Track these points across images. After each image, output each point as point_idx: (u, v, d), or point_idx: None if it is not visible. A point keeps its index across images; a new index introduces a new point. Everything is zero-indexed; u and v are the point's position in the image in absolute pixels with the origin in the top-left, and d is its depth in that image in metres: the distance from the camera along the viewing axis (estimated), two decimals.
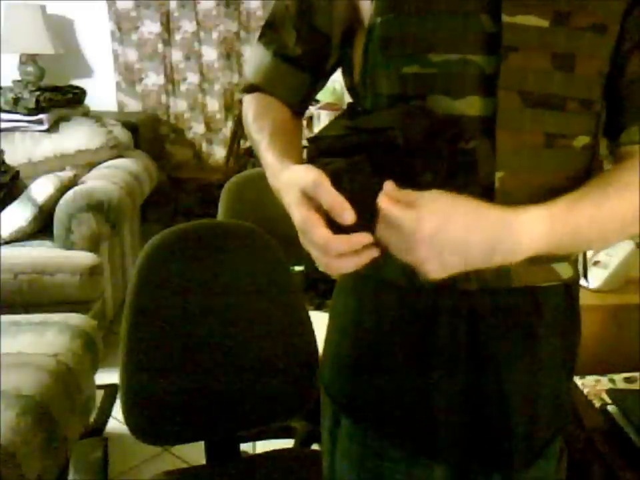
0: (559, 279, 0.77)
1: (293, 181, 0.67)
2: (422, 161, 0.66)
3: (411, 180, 0.65)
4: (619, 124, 0.76)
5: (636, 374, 1.32)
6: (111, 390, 2.19)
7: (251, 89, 0.87)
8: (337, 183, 0.68)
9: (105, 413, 2.13)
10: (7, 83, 3.34)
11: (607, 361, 1.36)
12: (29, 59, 3.56)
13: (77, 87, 3.25)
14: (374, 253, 0.64)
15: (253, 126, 0.84)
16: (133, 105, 3.94)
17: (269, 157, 0.77)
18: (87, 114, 3.22)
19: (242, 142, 3.93)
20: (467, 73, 0.69)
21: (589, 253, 1.45)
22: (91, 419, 1.79)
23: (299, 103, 0.87)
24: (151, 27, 3.81)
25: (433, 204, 0.62)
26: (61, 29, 3.72)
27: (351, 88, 0.82)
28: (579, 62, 0.70)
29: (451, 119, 0.69)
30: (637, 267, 1.47)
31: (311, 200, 0.64)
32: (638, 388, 1.28)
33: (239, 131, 3.82)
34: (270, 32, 0.84)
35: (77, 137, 2.97)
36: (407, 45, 0.70)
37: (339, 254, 0.62)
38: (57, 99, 3.03)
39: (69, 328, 1.73)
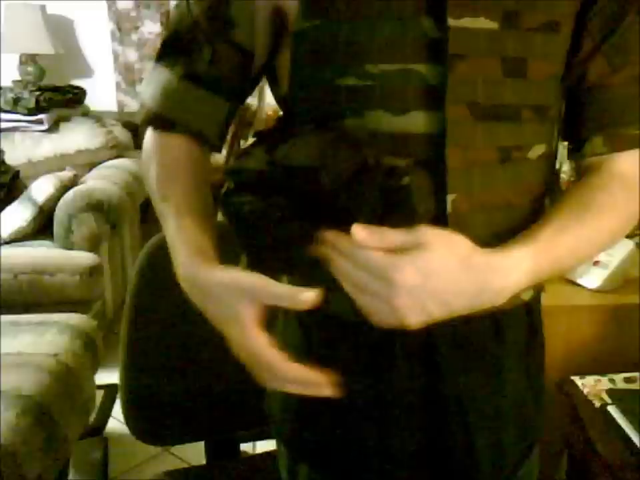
0: (520, 301, 0.72)
1: (227, 286, 0.59)
2: (350, 202, 0.58)
3: (341, 223, 0.57)
4: (580, 134, 0.71)
5: (636, 374, 1.32)
6: (110, 390, 2.19)
7: (154, 120, 0.72)
8: (254, 225, 0.61)
9: (105, 413, 2.13)
10: (7, 83, 3.33)
11: (607, 361, 1.36)
12: (28, 59, 3.56)
13: (77, 87, 3.25)
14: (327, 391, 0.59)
15: (157, 189, 0.71)
16: (133, 105, 3.94)
17: (179, 250, 0.66)
18: (86, 114, 3.22)
19: (242, 142, 3.93)
20: (409, 85, 0.61)
21: None
22: (91, 419, 1.78)
23: (216, 135, 0.72)
24: (150, 27, 3.81)
25: (417, 253, 0.55)
26: (61, 29, 3.71)
27: (279, 100, 0.72)
28: (531, 66, 0.64)
29: (379, 150, 0.60)
30: (637, 267, 1.47)
31: (252, 305, 0.58)
32: (638, 388, 1.28)
33: (239, 131, 3.82)
34: (173, 51, 0.70)
35: (76, 137, 2.97)
36: (340, 54, 0.62)
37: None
38: (57, 99, 3.03)
39: (69, 328, 1.73)
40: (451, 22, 0.60)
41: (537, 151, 0.68)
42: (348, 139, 0.61)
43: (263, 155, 0.62)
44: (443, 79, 0.61)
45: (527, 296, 0.73)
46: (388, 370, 0.69)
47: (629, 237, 1.46)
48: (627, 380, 1.31)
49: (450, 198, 0.64)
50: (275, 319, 0.76)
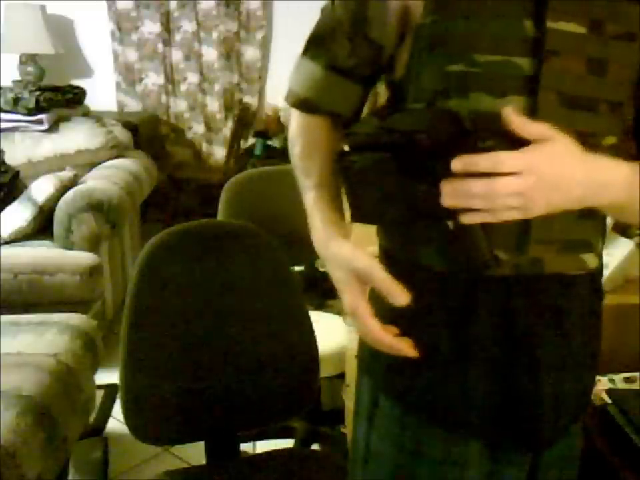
0: (586, 268, 0.81)
1: (343, 260, 0.76)
2: (445, 164, 0.67)
3: (435, 181, 0.67)
4: None
5: (636, 374, 1.32)
6: (110, 390, 2.19)
7: (300, 103, 0.87)
8: (362, 180, 0.72)
9: (105, 413, 2.13)
10: (7, 82, 3.34)
11: (607, 361, 1.36)
12: (29, 59, 3.56)
13: (77, 87, 3.25)
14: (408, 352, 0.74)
15: (300, 164, 0.87)
16: (133, 105, 3.94)
17: (316, 217, 0.83)
18: (87, 114, 3.23)
19: (242, 142, 3.93)
20: (508, 74, 0.73)
21: None
22: (91, 419, 1.79)
23: (351, 116, 0.87)
24: (151, 27, 3.82)
25: (543, 145, 0.66)
26: (61, 29, 3.72)
27: (390, 82, 0.84)
28: (611, 67, 0.75)
29: (474, 120, 0.71)
30: (637, 267, 1.46)
31: (360, 281, 0.74)
32: (638, 388, 1.28)
33: (239, 131, 3.82)
34: (317, 46, 0.84)
35: (76, 137, 2.97)
36: (453, 45, 0.74)
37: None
38: (57, 99, 3.03)
39: (69, 328, 1.73)
40: (549, 24, 0.72)
41: (609, 140, 0.78)
42: (450, 113, 0.71)
43: (375, 122, 0.75)
44: (538, 71, 0.72)
45: (592, 264, 0.82)
46: (469, 316, 0.78)
47: (628, 236, 1.46)
48: (626, 380, 1.31)
49: None
50: None
